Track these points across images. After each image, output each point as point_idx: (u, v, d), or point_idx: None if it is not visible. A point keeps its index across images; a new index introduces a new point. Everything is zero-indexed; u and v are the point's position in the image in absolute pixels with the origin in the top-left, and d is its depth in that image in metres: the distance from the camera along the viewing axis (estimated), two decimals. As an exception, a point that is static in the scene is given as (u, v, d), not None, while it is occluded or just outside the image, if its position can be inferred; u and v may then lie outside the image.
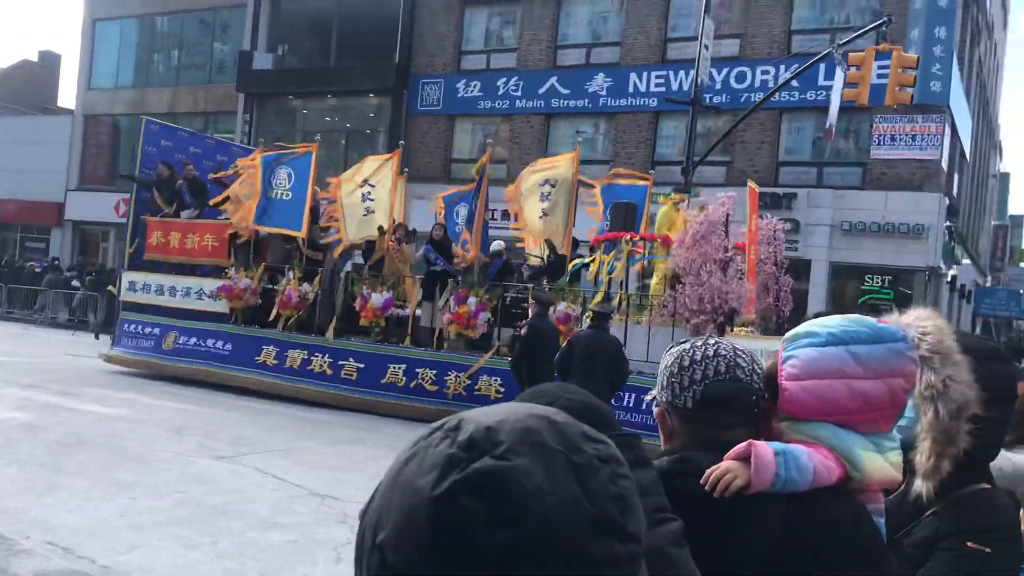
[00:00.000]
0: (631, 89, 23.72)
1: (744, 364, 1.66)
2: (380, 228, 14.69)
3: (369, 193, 15.13)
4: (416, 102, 27.16)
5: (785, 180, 21.60)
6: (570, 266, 13.93)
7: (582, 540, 0.68)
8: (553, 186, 14.52)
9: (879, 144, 20.43)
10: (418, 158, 26.86)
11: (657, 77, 23.36)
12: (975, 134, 28.64)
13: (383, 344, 13.98)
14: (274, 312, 14.75)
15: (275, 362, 14.56)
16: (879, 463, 1.68)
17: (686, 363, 1.67)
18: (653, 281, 13.29)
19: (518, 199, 15.00)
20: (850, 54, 15.07)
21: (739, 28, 22.60)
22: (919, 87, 18.23)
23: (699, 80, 17.57)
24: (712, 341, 1.71)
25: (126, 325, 16.54)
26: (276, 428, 11.47)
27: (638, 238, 13.25)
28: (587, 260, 13.81)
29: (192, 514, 7.07)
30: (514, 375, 10.25)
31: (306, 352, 14.33)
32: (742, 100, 21.30)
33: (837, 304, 19.98)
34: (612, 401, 10.21)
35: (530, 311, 10.62)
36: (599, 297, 12.43)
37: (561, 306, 12.47)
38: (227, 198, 15.77)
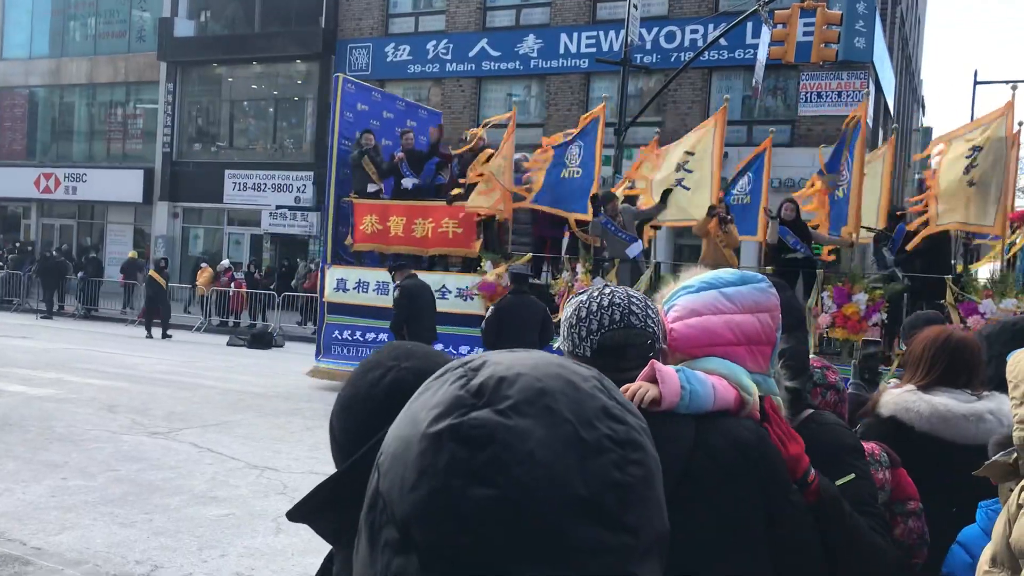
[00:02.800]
0: (562, 50, 23.63)
1: (638, 311, 1.78)
2: (711, 208, 11.45)
3: (686, 163, 12.33)
4: (344, 67, 26.68)
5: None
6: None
7: (562, 521, 0.64)
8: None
9: (806, 101, 20.74)
10: (349, 125, 26.57)
11: (588, 38, 23.30)
12: (898, 89, 29.24)
13: None
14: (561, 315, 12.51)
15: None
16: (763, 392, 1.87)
17: (583, 314, 1.79)
18: None
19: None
20: (776, 12, 15.23)
21: (667, -14, 22.64)
22: (843, 44, 18.50)
23: (629, 40, 17.60)
24: (608, 290, 1.82)
25: (336, 332, 13.64)
26: (210, 402, 11.30)
27: None
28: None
29: (126, 492, 6.95)
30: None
31: None
32: (672, 60, 21.38)
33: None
34: None
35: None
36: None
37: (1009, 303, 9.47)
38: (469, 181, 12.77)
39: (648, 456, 0.70)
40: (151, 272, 20.58)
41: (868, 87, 20.53)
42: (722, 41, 19.27)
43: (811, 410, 2.34)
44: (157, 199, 29.65)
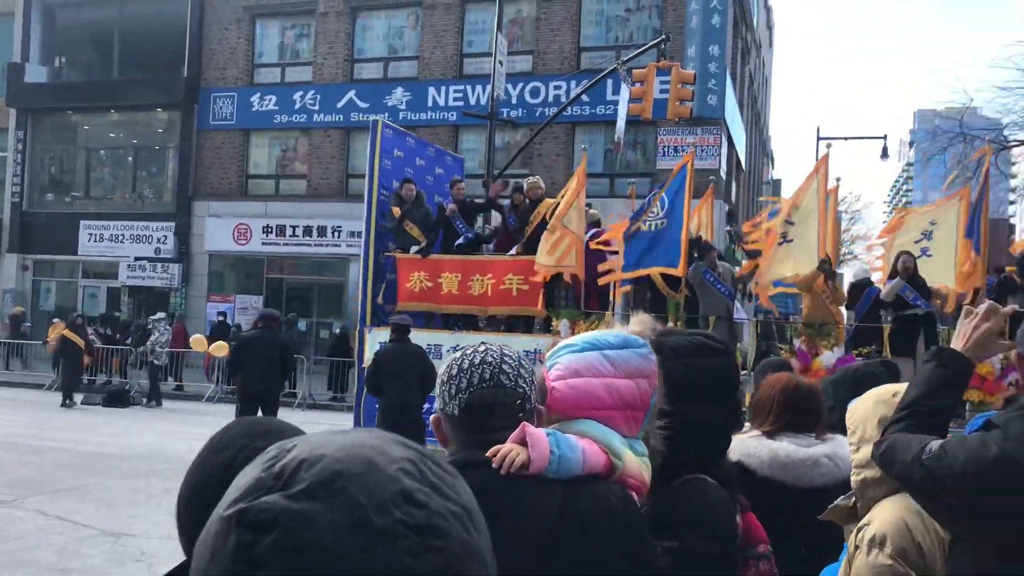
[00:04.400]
0: (430, 103, 23.92)
1: (509, 370, 1.75)
2: (823, 263, 10.37)
3: (790, 217, 11.23)
4: (208, 116, 26.15)
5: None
6: None
7: None
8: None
9: (664, 155, 21.62)
10: (211, 174, 25.90)
11: (455, 91, 23.68)
12: (749, 144, 30.88)
13: None
14: None
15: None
16: (634, 458, 1.86)
17: (454, 371, 1.76)
18: None
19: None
20: (634, 70, 15.91)
21: (531, 45, 23.28)
22: (697, 101, 19.50)
23: (495, 94, 18.02)
24: (482, 348, 1.79)
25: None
26: (60, 466, 10.70)
27: None
28: None
29: (-36, 567, 6.49)
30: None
31: None
32: (537, 114, 21.96)
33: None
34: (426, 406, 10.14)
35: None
36: None
37: None
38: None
39: (453, 543, 0.67)
40: (64, 330, 18.49)
41: (721, 142, 21.62)
42: (584, 97, 19.97)
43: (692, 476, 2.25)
44: (5, 250, 28.05)
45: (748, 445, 3.29)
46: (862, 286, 11.19)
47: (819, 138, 29.83)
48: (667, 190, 11.11)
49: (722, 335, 9.69)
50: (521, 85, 22.72)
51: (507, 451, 1.68)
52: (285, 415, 18.07)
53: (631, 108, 15.89)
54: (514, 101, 22.53)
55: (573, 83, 21.68)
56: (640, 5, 22.80)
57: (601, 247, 11.59)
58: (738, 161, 26.74)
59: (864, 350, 9.56)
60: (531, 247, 11.28)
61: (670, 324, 9.69)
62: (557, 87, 22.50)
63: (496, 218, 13.31)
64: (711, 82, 21.08)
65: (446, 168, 14.22)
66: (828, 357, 9.43)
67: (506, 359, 1.77)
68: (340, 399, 19.33)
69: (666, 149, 21.67)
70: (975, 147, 22.18)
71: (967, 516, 2.03)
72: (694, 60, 20.80)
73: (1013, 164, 26.70)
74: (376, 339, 11.71)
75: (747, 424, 3.57)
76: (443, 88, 23.82)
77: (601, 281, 11.30)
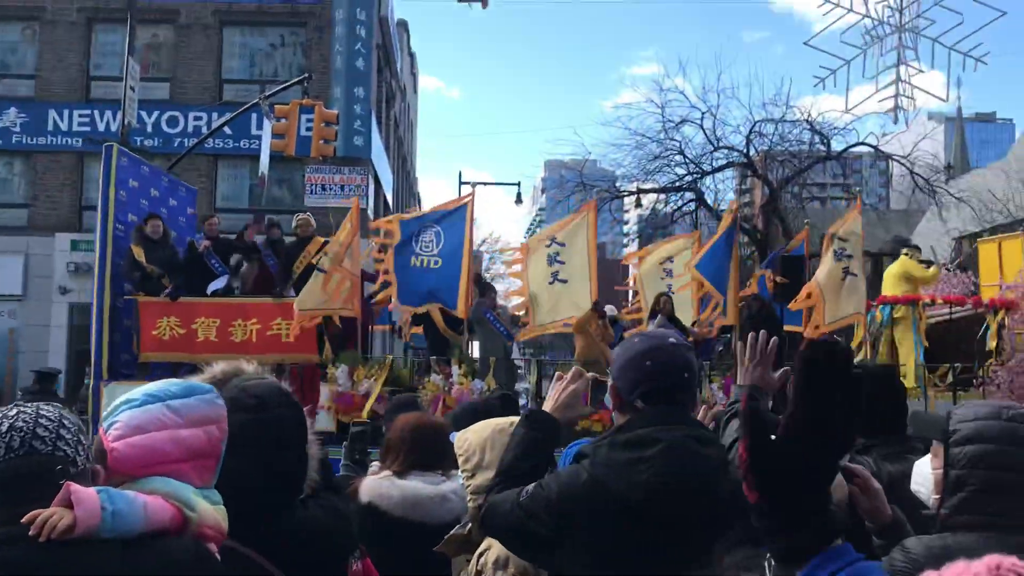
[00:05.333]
0: (51, 127, 21.73)
1: (45, 433, 1.61)
2: (596, 304, 10.64)
3: (558, 255, 11.00)
4: None
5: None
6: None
7: None
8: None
9: (311, 193, 21.50)
10: None
11: (81, 116, 21.75)
12: (396, 185, 31.73)
13: None
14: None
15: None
16: (210, 508, 1.77)
17: None
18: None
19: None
20: (277, 106, 15.67)
21: (169, 72, 22.18)
22: (344, 141, 19.69)
23: (126, 121, 16.80)
24: (13, 412, 1.63)
25: None
26: None
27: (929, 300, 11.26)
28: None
29: None
30: None
31: None
32: (176, 145, 20.82)
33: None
34: None
35: None
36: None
37: None
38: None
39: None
40: None
41: (368, 182, 21.97)
42: (227, 130, 19.32)
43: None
44: None
45: (380, 486, 3.31)
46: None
47: (461, 182, 31.38)
48: (442, 225, 10.70)
49: (501, 375, 10.24)
50: (158, 113, 21.48)
51: (47, 516, 1.52)
52: None
53: (274, 144, 15.61)
54: (150, 129, 21.25)
55: (215, 115, 20.87)
56: (285, 42, 22.64)
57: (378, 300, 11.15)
58: (386, 201, 27.33)
59: None
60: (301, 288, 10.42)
61: (455, 367, 9.83)
62: (198, 118, 21.54)
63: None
64: (357, 123, 21.39)
65: (179, 200, 13.02)
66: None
67: (41, 420, 1.62)
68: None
69: (313, 187, 21.55)
70: (593, 195, 24.68)
71: (558, 546, 2.17)
72: (340, 101, 20.99)
73: (626, 212, 30.00)
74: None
75: (375, 465, 3.59)
76: (66, 111, 21.78)
77: (377, 302, 11.03)
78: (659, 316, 11.32)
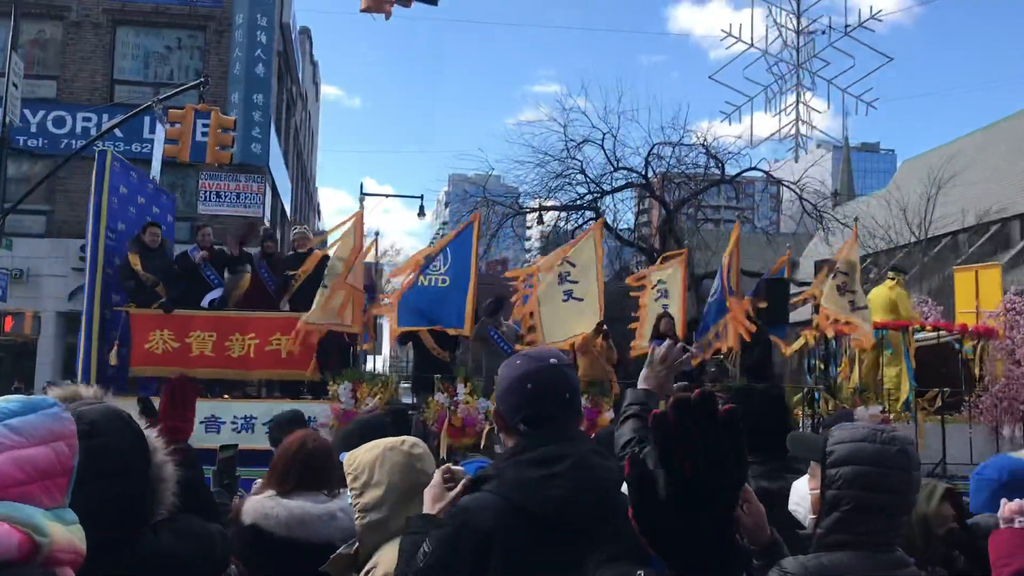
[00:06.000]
0: (-79, 122, 20.57)
1: None
2: (600, 325, 10.50)
3: (569, 274, 10.83)
4: None
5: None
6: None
7: None
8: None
9: (206, 200, 20.95)
10: None
11: (-43, 113, 20.67)
12: (295, 195, 31.18)
13: None
14: (443, 446, 9.20)
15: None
16: (64, 530, 1.65)
17: None
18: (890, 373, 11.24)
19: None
20: (171, 110, 15.22)
21: (56, 70, 21.32)
22: (241, 148, 19.26)
23: (8, 120, 16.05)
24: None
25: None
26: None
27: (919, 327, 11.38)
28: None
29: None
30: None
31: None
32: (63, 146, 20.00)
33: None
34: None
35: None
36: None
37: None
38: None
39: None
40: None
41: (265, 190, 21.55)
42: (118, 132, 18.64)
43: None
44: None
45: (264, 506, 3.22)
46: None
47: (363, 194, 31.01)
48: (450, 244, 10.55)
49: None
50: (43, 113, 20.61)
51: None
52: None
53: (167, 149, 15.14)
54: (34, 129, 20.36)
55: (106, 116, 20.14)
56: (182, 45, 22.05)
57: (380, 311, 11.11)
58: (283, 210, 26.83)
59: None
60: (300, 303, 10.19)
61: (460, 385, 9.59)
62: (87, 119, 20.76)
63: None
64: (255, 130, 20.97)
65: (162, 207, 12.64)
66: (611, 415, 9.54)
67: None
68: None
69: (208, 194, 21.02)
70: (496, 210, 24.77)
71: None
72: (238, 107, 20.55)
73: (528, 228, 30.26)
74: None
75: (257, 483, 3.49)
76: (-60, 107, 20.65)
77: (375, 313, 10.93)
78: (667, 340, 11.17)
